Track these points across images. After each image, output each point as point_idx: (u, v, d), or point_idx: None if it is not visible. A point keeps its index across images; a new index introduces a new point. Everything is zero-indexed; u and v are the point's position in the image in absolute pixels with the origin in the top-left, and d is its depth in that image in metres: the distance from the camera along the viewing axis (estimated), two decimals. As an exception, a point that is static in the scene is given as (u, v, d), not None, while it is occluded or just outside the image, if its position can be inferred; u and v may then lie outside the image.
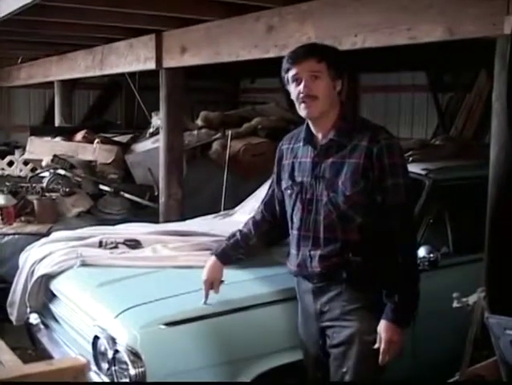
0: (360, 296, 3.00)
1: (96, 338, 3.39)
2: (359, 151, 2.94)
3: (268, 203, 3.46)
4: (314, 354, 3.22)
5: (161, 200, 6.37)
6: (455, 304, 2.65)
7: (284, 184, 3.23)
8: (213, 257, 3.46)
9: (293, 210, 3.17)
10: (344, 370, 3.00)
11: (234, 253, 3.51)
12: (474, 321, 2.59)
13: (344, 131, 3.02)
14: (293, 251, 3.19)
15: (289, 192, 3.19)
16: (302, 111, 3.03)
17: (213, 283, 3.39)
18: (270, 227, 3.44)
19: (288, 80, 3.05)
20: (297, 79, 2.99)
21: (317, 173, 3.05)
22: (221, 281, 3.41)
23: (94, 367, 3.40)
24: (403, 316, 2.94)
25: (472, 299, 2.63)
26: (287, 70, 3.04)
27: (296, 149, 3.20)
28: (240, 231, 3.51)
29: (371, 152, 2.91)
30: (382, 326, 2.92)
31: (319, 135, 3.09)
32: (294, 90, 3.02)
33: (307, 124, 3.14)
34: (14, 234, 6.01)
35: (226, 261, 3.47)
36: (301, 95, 2.98)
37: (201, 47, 5.52)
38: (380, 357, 2.90)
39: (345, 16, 3.99)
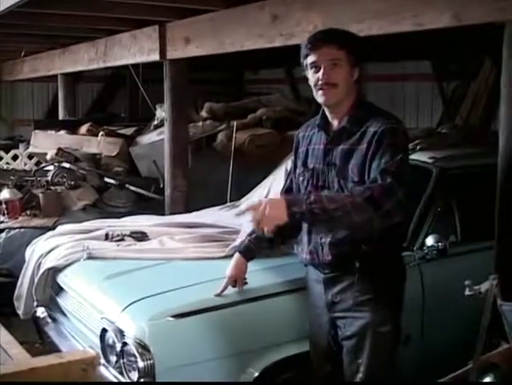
0: (373, 286, 2.96)
1: (104, 330, 3.39)
2: (366, 137, 2.90)
3: (287, 192, 3.37)
4: (325, 345, 3.18)
5: (167, 192, 6.35)
6: (467, 292, 2.61)
7: (298, 171, 3.21)
8: (237, 254, 3.44)
9: None
10: (359, 361, 2.98)
11: (257, 248, 3.44)
12: (487, 308, 2.56)
13: (357, 118, 2.98)
14: (304, 237, 3.16)
15: (301, 178, 3.17)
16: (319, 97, 2.99)
17: (236, 280, 3.39)
18: None
19: (307, 66, 3.00)
20: (316, 66, 2.95)
21: (329, 160, 3.02)
22: (245, 279, 3.41)
23: (102, 360, 3.39)
24: (298, 204, 2.68)
25: (484, 287, 2.60)
26: (306, 56, 2.99)
27: (310, 136, 3.18)
28: None
29: (375, 135, 2.86)
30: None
31: (335, 122, 3.06)
32: (312, 76, 2.98)
33: (323, 111, 3.11)
34: (19, 228, 6.02)
35: (250, 256, 3.43)
36: (320, 82, 2.94)
37: (205, 38, 5.49)
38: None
39: (350, 3, 3.95)
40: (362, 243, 2.93)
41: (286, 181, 3.47)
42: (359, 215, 2.70)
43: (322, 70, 2.92)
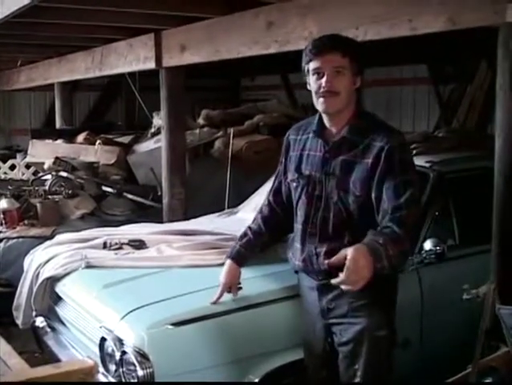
0: (368, 291, 2.91)
1: (103, 339, 3.38)
2: (371, 151, 2.86)
3: (276, 194, 3.34)
4: (319, 351, 3.16)
5: (164, 199, 6.34)
6: (465, 296, 2.63)
7: (290, 176, 3.16)
8: (229, 261, 3.38)
9: (297, 204, 3.11)
10: (356, 367, 2.96)
11: (249, 252, 3.40)
12: (485, 312, 2.56)
13: (358, 129, 2.94)
14: (297, 245, 3.13)
15: (294, 184, 3.12)
16: (319, 105, 2.93)
17: (230, 287, 3.35)
18: (279, 219, 3.33)
19: (308, 71, 2.94)
20: (318, 73, 2.89)
21: (327, 170, 2.97)
22: (239, 284, 3.39)
23: (101, 369, 3.38)
24: (379, 259, 2.62)
25: (482, 290, 2.61)
26: (308, 62, 2.92)
27: (304, 141, 3.12)
28: (250, 229, 3.41)
29: (382, 151, 2.82)
30: (354, 246, 2.64)
31: (333, 130, 3.00)
32: (314, 83, 2.92)
33: (320, 117, 3.05)
34: (17, 238, 6.00)
35: (242, 262, 3.39)
36: (321, 90, 2.88)
37: (200, 45, 5.49)
38: (343, 273, 2.57)
39: (346, 9, 3.95)
40: None
41: (274, 182, 3.39)
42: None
43: (325, 78, 2.86)
